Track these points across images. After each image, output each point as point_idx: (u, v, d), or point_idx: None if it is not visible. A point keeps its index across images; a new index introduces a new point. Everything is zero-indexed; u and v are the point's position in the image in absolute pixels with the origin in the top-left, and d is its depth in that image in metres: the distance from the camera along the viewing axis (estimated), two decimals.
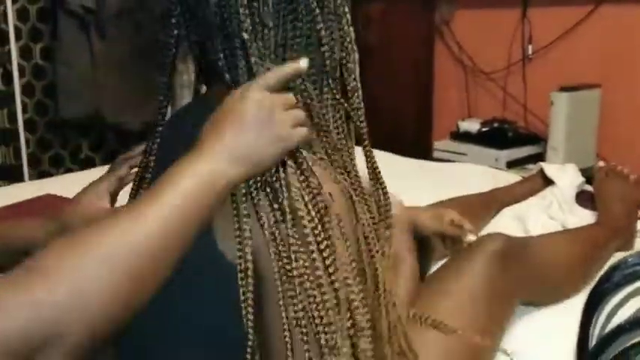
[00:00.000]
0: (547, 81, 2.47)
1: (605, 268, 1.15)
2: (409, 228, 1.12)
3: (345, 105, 0.71)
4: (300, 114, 0.64)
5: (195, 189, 0.56)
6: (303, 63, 0.63)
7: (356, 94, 0.71)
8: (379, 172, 0.74)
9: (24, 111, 2.68)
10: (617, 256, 1.24)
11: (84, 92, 2.56)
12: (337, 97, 0.70)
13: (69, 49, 2.53)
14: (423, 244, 1.19)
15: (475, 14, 2.84)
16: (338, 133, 0.70)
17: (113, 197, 0.89)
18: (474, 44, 2.83)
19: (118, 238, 0.53)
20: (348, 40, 0.71)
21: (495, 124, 2.58)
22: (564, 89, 2.25)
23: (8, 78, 2.62)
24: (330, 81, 0.69)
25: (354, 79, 0.71)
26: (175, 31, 0.70)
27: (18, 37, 2.62)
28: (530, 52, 2.62)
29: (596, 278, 1.14)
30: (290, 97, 0.63)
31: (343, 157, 0.69)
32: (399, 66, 2.85)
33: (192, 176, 0.56)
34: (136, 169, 0.82)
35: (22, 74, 2.66)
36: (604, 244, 1.21)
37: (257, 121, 0.59)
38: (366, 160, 0.74)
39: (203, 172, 0.57)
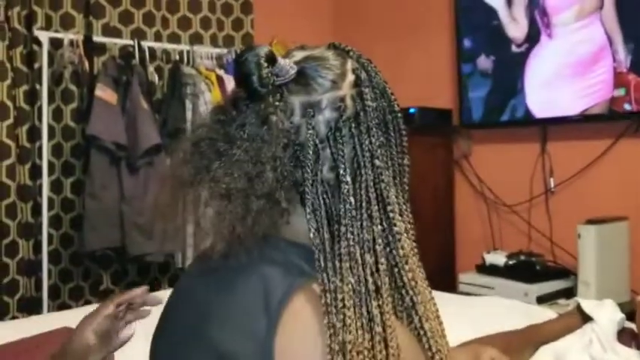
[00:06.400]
0: (571, 214, 2.46)
1: None
2: None
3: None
4: None
5: None
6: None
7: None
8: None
9: (49, 242, 2.70)
10: None
11: (110, 225, 2.59)
12: None
13: (98, 183, 2.59)
14: None
15: (493, 149, 2.90)
16: None
17: (105, 334, 0.88)
18: (494, 177, 2.87)
19: None
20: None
21: (522, 257, 2.54)
22: (591, 222, 2.23)
23: (37, 210, 2.68)
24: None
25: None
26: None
27: (51, 172, 2.71)
28: (552, 185, 2.64)
29: None
30: None
31: None
32: (420, 197, 2.87)
33: None
34: (123, 307, 0.89)
35: (51, 207, 2.71)
36: None
37: None
38: None
39: None
